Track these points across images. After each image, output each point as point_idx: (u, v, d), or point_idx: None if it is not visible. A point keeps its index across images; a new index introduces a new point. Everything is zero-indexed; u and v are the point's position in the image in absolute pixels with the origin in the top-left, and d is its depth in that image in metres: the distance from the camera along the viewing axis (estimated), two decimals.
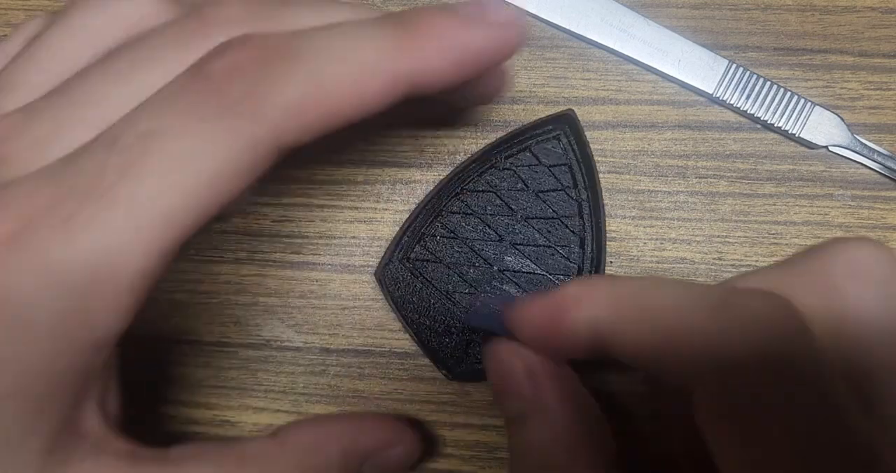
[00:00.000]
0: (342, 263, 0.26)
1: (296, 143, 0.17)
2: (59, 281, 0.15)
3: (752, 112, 0.26)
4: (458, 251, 0.25)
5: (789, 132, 0.26)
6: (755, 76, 0.26)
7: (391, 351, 0.26)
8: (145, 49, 0.18)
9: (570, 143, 0.25)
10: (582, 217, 0.25)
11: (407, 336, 0.26)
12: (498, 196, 0.25)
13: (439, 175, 0.26)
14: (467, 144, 0.27)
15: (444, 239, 0.25)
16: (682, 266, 0.26)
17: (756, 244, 0.26)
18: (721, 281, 0.20)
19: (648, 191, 0.26)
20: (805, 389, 0.15)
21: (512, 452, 0.21)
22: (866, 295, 0.17)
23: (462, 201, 0.25)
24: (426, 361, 0.26)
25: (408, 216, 0.26)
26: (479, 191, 0.25)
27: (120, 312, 0.16)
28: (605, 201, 0.26)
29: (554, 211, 0.25)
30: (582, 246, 0.25)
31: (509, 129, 0.26)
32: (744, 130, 0.26)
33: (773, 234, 0.26)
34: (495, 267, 0.25)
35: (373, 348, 0.26)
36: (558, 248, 0.25)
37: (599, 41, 0.26)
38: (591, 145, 0.25)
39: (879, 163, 0.25)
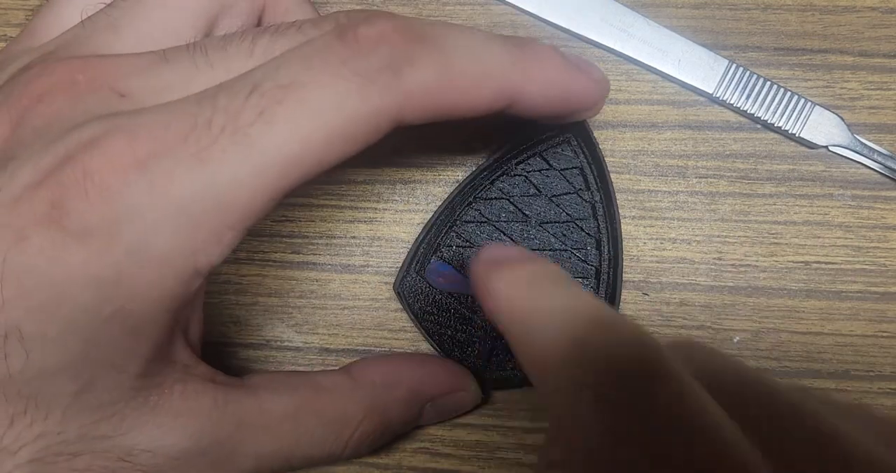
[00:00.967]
0: (342, 263, 0.26)
1: (408, 123, 0.17)
2: (178, 209, 0.16)
3: (752, 112, 0.26)
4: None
5: (789, 132, 0.26)
6: (755, 76, 0.26)
7: (391, 351, 0.26)
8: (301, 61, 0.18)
9: (581, 146, 0.25)
10: (596, 219, 0.25)
11: (407, 336, 0.26)
12: (511, 202, 0.25)
13: (439, 174, 0.26)
14: (467, 142, 0.27)
15: (460, 249, 0.25)
16: (682, 265, 0.26)
17: (756, 244, 0.26)
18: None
19: (648, 190, 0.26)
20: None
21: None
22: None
23: (475, 210, 0.25)
24: None
25: (421, 227, 0.25)
26: (492, 199, 0.25)
27: (222, 246, 0.17)
28: None
29: (568, 214, 0.25)
30: (598, 247, 0.25)
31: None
32: (744, 130, 0.26)
33: (773, 234, 0.26)
34: None
35: (373, 348, 0.26)
36: (575, 251, 0.25)
37: (599, 41, 0.26)
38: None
39: (879, 163, 0.25)
